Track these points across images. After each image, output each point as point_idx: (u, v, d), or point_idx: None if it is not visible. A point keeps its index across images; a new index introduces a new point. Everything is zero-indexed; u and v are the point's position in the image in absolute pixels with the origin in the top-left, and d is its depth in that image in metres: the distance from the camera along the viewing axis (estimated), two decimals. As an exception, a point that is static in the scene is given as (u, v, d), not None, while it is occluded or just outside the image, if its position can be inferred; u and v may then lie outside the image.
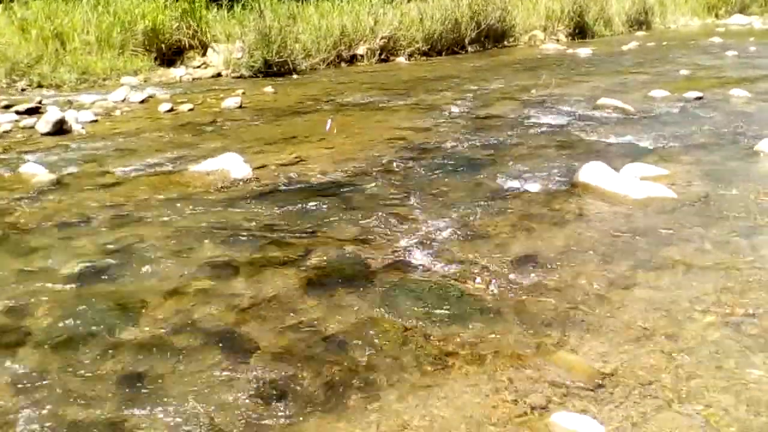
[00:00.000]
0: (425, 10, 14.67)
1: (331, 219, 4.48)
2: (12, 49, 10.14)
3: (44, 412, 2.56)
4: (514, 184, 5.14)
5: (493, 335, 3.05)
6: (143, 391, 2.69)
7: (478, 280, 3.58)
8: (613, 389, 2.64)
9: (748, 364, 2.80)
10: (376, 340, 3.02)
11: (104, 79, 10.42)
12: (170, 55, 12.03)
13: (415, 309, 3.29)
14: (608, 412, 2.49)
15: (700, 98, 8.50)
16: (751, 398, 2.58)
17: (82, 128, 7.35)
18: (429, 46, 14.53)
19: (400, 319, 3.20)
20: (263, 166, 5.71)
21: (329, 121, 5.34)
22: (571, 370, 2.77)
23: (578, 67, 12.53)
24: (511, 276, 3.62)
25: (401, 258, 3.88)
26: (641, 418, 2.46)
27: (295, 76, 11.52)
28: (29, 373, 2.80)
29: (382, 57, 13.61)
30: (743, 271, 3.63)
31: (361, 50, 13.34)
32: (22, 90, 9.56)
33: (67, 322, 3.20)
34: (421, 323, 3.16)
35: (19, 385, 2.72)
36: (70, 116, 7.49)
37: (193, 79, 11.29)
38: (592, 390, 2.63)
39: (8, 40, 10.45)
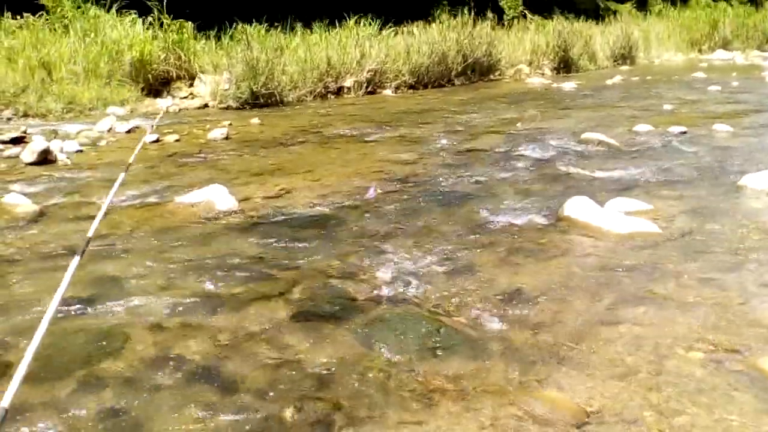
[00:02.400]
0: (412, 44, 14.80)
1: (316, 252, 4.47)
2: (-2, 79, 10.13)
3: (21, 449, 2.52)
4: (500, 218, 5.15)
5: (478, 371, 3.03)
6: (123, 427, 2.65)
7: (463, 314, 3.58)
8: (597, 427, 2.62)
9: (733, 402, 2.79)
10: (360, 376, 3.00)
11: (90, 109, 10.38)
12: (157, 86, 12.02)
13: (400, 344, 3.27)
14: (593, 451, 2.48)
15: (684, 133, 8.58)
16: (736, 437, 2.57)
17: (68, 158, 7.32)
18: (416, 79, 14.63)
19: (384, 354, 3.18)
20: (248, 198, 5.70)
21: (373, 186, 5.37)
22: (556, 407, 2.75)
23: (563, 101, 12.65)
24: (496, 311, 3.61)
25: (386, 292, 3.87)
26: (626, 457, 2.45)
27: (281, 108, 11.55)
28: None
29: (369, 89, 13.68)
30: (727, 307, 3.64)
31: (348, 82, 13.40)
32: (8, 119, 9.52)
33: (47, 355, 3.16)
34: (405, 358, 3.14)
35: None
36: (56, 146, 7.47)
37: (180, 109, 11.28)
38: (577, 428, 2.62)
39: (-6, 69, 10.44)
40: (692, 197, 5.68)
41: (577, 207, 5.03)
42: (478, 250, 4.49)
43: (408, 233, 4.82)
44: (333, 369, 3.06)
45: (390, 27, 15.53)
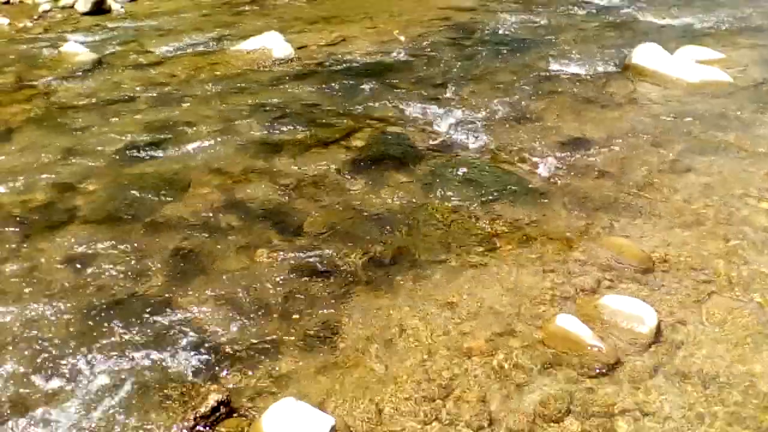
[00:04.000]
0: None
1: (375, 100, 4.38)
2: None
3: (93, 285, 2.60)
4: (564, 66, 4.96)
5: (542, 218, 3.00)
6: (190, 267, 2.71)
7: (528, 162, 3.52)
8: (665, 274, 2.60)
9: (805, 251, 2.74)
10: (422, 221, 2.99)
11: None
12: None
13: (462, 191, 3.24)
14: (660, 296, 2.46)
15: (761, -21, 8.05)
16: (807, 285, 2.53)
17: (122, 8, 7.22)
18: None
19: (446, 201, 3.15)
20: (305, 46, 5.58)
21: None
22: (622, 254, 2.71)
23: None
24: (561, 159, 3.54)
25: (447, 140, 3.81)
26: (694, 303, 2.43)
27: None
28: (79, 248, 2.83)
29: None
30: (801, 157, 3.51)
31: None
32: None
33: (114, 199, 3.22)
34: (468, 205, 3.11)
35: (71, 261, 2.75)
36: (109, -5, 7.35)
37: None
38: (643, 274, 2.60)
39: None
40: (766, 46, 5.39)
41: (645, 55, 4.81)
42: (542, 99, 4.35)
43: (469, 82, 4.68)
44: (395, 214, 3.05)
45: None
